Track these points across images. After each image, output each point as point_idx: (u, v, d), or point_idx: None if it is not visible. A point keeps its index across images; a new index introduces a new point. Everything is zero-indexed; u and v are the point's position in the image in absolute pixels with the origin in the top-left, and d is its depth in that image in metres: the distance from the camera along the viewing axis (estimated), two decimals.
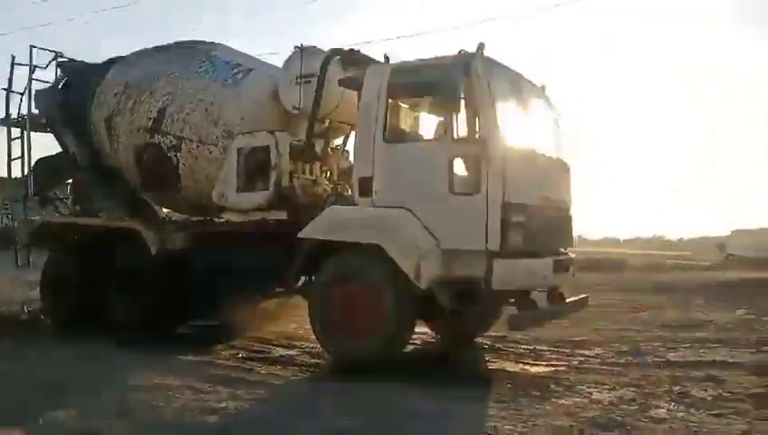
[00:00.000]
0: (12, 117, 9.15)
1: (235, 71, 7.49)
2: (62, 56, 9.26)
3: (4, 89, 9.18)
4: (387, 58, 6.26)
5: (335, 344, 5.90)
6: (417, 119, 6.75)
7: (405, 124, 6.05)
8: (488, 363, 6.38)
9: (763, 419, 4.29)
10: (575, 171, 6.93)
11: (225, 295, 7.07)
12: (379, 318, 5.58)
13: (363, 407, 4.63)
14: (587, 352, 6.81)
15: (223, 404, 4.62)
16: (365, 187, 5.87)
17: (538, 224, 5.70)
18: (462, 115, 5.48)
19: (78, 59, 9.34)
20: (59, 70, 9.26)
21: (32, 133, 9.19)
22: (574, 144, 7.05)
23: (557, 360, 6.46)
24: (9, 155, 9.09)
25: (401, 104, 6.33)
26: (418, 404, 4.71)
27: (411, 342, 7.31)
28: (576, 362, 6.34)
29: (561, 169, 6.52)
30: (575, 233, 7.10)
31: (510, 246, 5.34)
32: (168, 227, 7.57)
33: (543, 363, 6.30)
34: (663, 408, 4.61)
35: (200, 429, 4.17)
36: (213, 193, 6.84)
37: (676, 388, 5.12)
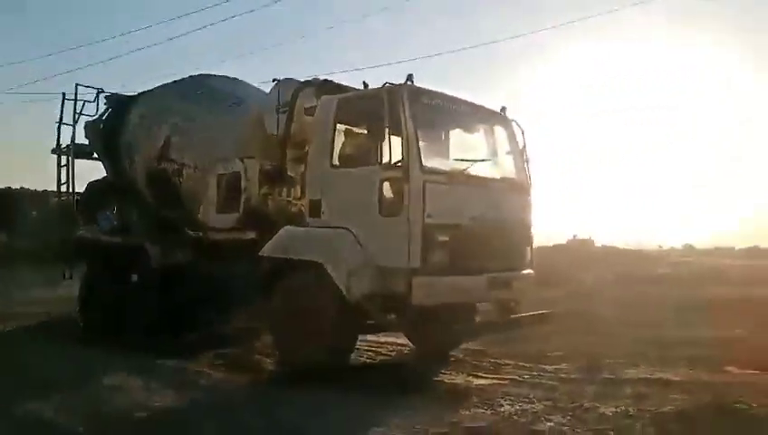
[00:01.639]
0: (61, 146, 10.50)
1: (230, 102, 8.31)
2: (103, 91, 10.51)
3: (57, 122, 10.58)
4: (365, 85, 6.77)
5: (286, 353, 6.45)
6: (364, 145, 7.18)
7: (353, 151, 6.50)
8: (440, 374, 6.63)
9: None
10: (535, 190, 7.14)
11: (213, 307, 7.84)
12: (322, 329, 6.06)
13: (274, 406, 5.15)
14: (548, 367, 6.89)
15: (158, 403, 5.32)
16: (315, 208, 6.41)
17: (470, 243, 5.97)
18: (391, 142, 5.89)
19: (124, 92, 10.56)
20: (103, 103, 10.54)
21: (79, 160, 10.49)
22: (534, 164, 7.14)
23: (509, 374, 6.61)
24: (59, 180, 10.42)
25: (355, 131, 6.78)
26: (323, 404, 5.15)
27: (385, 353, 7.82)
28: (526, 377, 6.47)
29: (510, 189, 6.72)
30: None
31: (432, 265, 5.67)
32: (168, 243, 8.44)
33: (491, 377, 6.48)
34: (552, 422, 4.77)
35: (124, 419, 4.87)
36: (199, 213, 7.64)
37: (588, 404, 5.22)
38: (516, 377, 6.46)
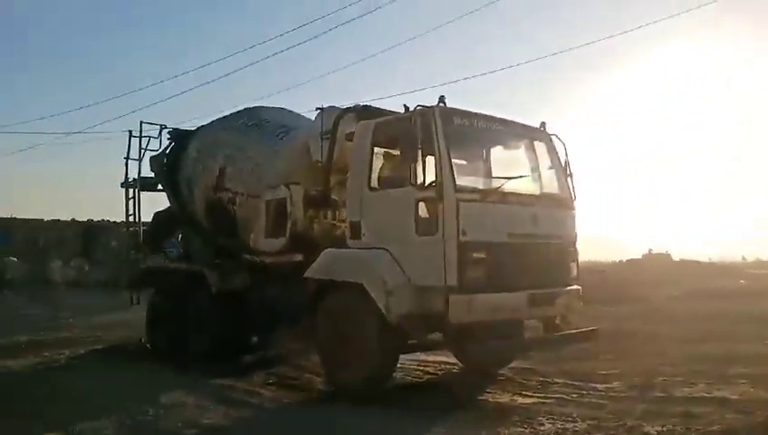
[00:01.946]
0: (129, 180, 11.21)
1: (278, 132, 8.69)
2: (165, 127, 11.17)
3: (125, 158, 11.32)
4: (406, 108, 6.95)
5: (331, 372, 6.62)
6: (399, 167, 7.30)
7: (390, 173, 6.64)
8: (485, 393, 6.59)
9: None
10: (578, 205, 7.06)
11: (268, 329, 8.13)
12: (363, 349, 6.20)
13: (314, 426, 5.30)
14: (598, 386, 6.73)
15: (207, 421, 5.58)
16: (355, 230, 6.59)
17: (509, 260, 5.98)
18: (425, 163, 6.01)
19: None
20: (166, 138, 11.20)
21: (145, 193, 11.16)
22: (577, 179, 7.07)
23: (556, 393, 6.49)
24: (127, 211, 11.13)
25: (392, 154, 6.94)
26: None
27: (433, 372, 7.84)
28: (574, 395, 6.34)
29: (551, 204, 6.68)
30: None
31: (469, 282, 5.71)
32: (227, 269, 8.82)
33: (537, 395, 6.40)
34: None
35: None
36: (251, 239, 7.98)
37: (633, 422, 5.09)
38: (563, 396, 6.35)
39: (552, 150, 7.09)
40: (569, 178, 7.14)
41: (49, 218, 35.37)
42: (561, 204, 6.81)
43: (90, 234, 32.02)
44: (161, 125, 11.12)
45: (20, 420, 5.73)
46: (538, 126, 7.16)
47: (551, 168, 7.06)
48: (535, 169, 6.91)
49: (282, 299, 7.51)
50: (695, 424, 4.95)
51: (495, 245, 5.90)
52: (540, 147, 7.05)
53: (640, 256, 26.04)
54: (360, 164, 6.65)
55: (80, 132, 54.31)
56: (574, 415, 5.48)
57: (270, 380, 7.51)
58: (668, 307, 13.91)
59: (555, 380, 7.10)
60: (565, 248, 6.73)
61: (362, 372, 6.23)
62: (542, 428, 5.14)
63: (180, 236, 11.58)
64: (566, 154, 7.15)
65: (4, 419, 5.76)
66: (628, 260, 26.70)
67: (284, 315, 7.70)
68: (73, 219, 35.43)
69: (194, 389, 6.87)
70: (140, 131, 10.99)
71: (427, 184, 5.91)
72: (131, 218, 11.01)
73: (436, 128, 5.93)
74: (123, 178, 11.14)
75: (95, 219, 34.18)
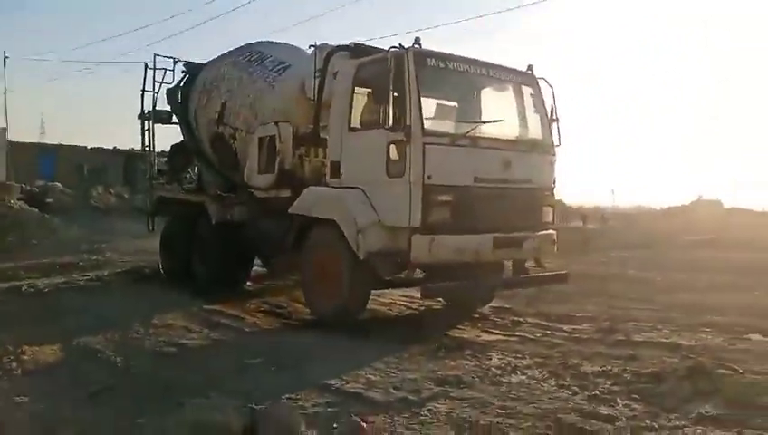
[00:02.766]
0: (145, 112, 11.60)
1: (277, 68, 8.83)
2: (179, 60, 11.41)
3: (141, 90, 11.66)
4: (400, 45, 6.99)
5: (311, 304, 7.04)
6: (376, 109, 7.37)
7: (367, 114, 6.75)
8: (454, 329, 6.90)
9: (586, 393, 4.51)
10: (561, 150, 7.09)
11: (264, 260, 8.60)
12: (337, 282, 6.56)
13: (278, 348, 5.78)
14: (565, 327, 6.96)
15: (188, 341, 6.12)
16: (334, 169, 6.83)
17: (475, 204, 6.15)
18: (400, 105, 6.11)
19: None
20: (181, 71, 11.47)
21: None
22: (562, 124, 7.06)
23: (523, 332, 6.74)
24: (143, 143, 11.58)
25: (372, 95, 7.01)
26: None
27: (415, 308, 8.18)
28: (538, 335, 6.59)
29: (529, 149, 6.73)
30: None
31: (432, 224, 5.93)
32: (227, 201, 9.22)
33: (503, 333, 6.67)
34: (524, 375, 4.97)
35: (155, 352, 5.70)
36: (245, 174, 8.32)
37: (576, 361, 5.34)
38: (527, 335, 6.61)
39: (536, 95, 7.07)
40: (555, 124, 7.14)
41: (92, 146, 36.87)
42: (540, 149, 6.85)
43: (130, 162, 33.16)
44: (174, 58, 11.44)
45: (23, 327, 6.38)
46: (525, 69, 7.12)
47: (535, 112, 7.06)
48: (517, 113, 6.93)
49: (275, 232, 7.87)
50: (632, 366, 5.15)
51: (461, 188, 6.06)
52: (525, 91, 7.03)
53: (688, 203, 25.32)
54: (341, 103, 6.80)
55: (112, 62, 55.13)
56: (525, 352, 5.75)
57: (262, 308, 8.00)
58: (683, 256, 13.80)
59: (528, 320, 7.35)
60: (539, 194, 6.81)
61: (335, 303, 6.60)
62: (488, 362, 5.43)
63: (196, 168, 12.09)
64: (553, 98, 7.14)
65: (12, 326, 6.43)
66: (669, 207, 26.04)
67: (277, 247, 8.10)
68: (115, 148, 36.75)
69: (188, 312, 7.42)
70: (154, 64, 11.28)
71: (397, 127, 6.04)
72: (147, 150, 11.51)
73: (408, 70, 6.00)
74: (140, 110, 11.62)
75: (136, 148, 35.32)
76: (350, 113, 6.68)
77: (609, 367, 5.18)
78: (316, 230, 6.92)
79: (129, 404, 4.23)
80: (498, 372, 5.11)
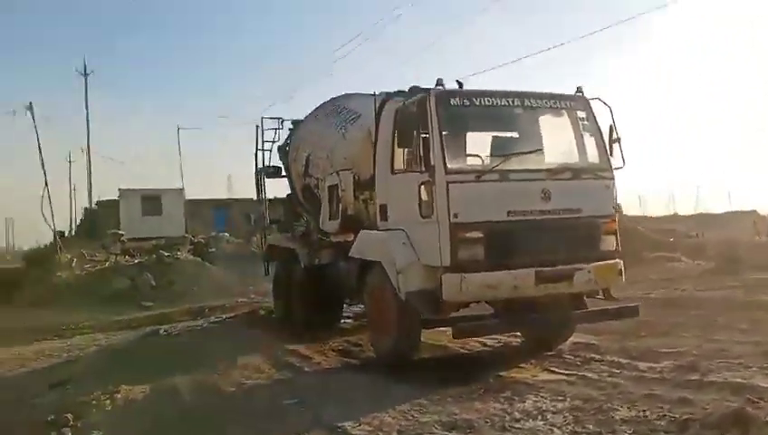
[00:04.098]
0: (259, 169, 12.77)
1: (351, 119, 9.33)
2: (283, 120, 12.44)
3: (257, 149, 12.88)
4: (460, 85, 7.14)
5: (372, 343, 7.23)
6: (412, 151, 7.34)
7: (406, 157, 6.79)
8: (516, 368, 6.59)
9: None
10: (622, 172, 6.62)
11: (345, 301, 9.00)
12: (389, 321, 6.69)
13: (321, 388, 6.04)
14: (641, 365, 6.33)
15: (248, 381, 6.64)
16: (383, 212, 7.04)
17: (510, 238, 5.97)
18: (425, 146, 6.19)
19: None
20: (288, 128, 12.52)
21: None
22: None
23: (586, 370, 6.28)
24: (258, 195, 12.75)
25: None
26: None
27: (488, 344, 7.97)
28: (605, 374, 6.09)
29: (575, 176, 6.38)
30: None
31: (462, 262, 5.86)
32: (315, 246, 9.78)
33: (563, 372, 6.26)
34: (543, 421, 4.71)
35: (217, 393, 6.31)
36: (320, 220, 8.82)
37: (612, 405, 4.90)
38: (590, 374, 6.13)
39: (588, 117, 6.70)
40: (616, 144, 6.70)
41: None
42: (590, 175, 6.45)
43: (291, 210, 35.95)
44: (279, 118, 12.52)
45: (134, 367, 7.42)
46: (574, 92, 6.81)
47: (588, 135, 6.69)
48: (564, 139, 6.61)
49: (345, 274, 8.22)
50: (674, 411, 4.60)
51: (492, 224, 5.92)
52: (573, 115, 6.71)
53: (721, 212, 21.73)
54: (384, 147, 7.02)
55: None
56: (568, 394, 5.37)
57: (339, 347, 8.33)
58: None
59: (606, 357, 6.79)
60: (592, 222, 6.37)
61: (388, 343, 6.73)
62: (520, 405, 5.18)
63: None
64: (612, 117, 6.71)
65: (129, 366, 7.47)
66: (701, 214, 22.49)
67: (350, 289, 8.44)
68: (275, 197, 40.07)
69: (268, 353, 8.00)
70: (261, 125, 12.44)
71: (423, 168, 6.12)
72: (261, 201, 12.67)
73: (430, 112, 6.08)
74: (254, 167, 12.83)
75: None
76: (392, 156, 6.87)
77: (649, 412, 4.69)
78: (370, 272, 7.14)
79: None
80: (520, 416, 4.87)
